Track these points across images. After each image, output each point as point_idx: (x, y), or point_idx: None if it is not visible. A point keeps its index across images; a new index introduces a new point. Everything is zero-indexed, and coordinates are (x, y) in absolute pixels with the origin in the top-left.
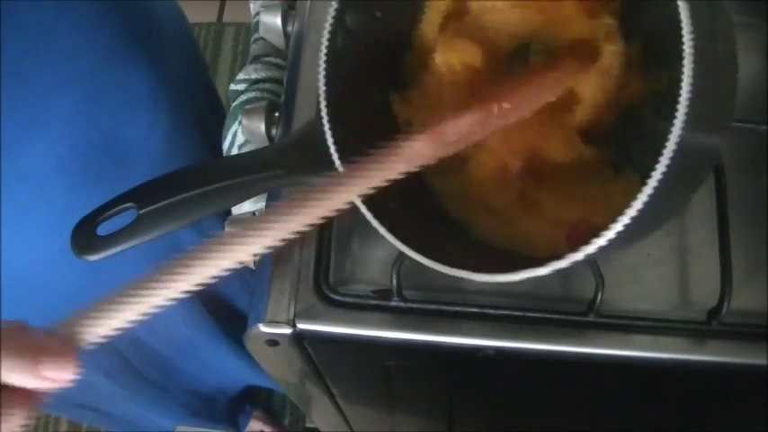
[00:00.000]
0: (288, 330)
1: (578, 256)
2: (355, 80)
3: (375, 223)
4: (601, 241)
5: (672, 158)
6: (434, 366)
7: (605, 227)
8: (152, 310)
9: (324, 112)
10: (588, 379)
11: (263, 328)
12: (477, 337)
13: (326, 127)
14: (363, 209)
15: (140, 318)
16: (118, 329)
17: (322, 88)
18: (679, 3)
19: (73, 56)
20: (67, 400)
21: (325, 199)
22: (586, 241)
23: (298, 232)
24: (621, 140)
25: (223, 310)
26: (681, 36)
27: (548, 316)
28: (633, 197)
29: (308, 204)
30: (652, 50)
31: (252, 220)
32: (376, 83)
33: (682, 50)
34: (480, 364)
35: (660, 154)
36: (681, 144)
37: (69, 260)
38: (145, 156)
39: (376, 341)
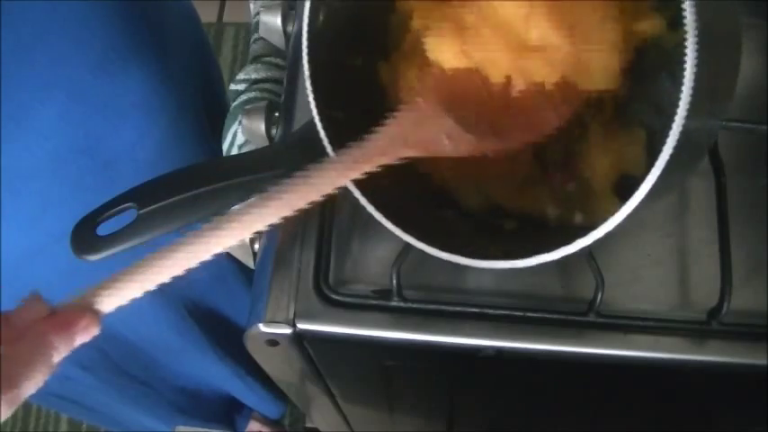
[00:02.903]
0: (288, 330)
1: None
2: (340, 52)
3: (371, 209)
4: (598, 233)
5: (677, 140)
6: (434, 366)
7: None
8: (157, 283)
9: (310, 90)
10: (588, 379)
11: (263, 328)
12: (477, 338)
13: (313, 104)
14: (357, 193)
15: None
16: (130, 299)
17: (306, 65)
18: None
19: (62, 61)
20: (43, 389)
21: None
22: None
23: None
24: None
25: (209, 318)
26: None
27: (548, 316)
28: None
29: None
30: None
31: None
32: (363, 52)
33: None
34: (480, 364)
35: (666, 136)
36: (685, 128)
37: (40, 260)
38: (132, 164)
39: (376, 341)
